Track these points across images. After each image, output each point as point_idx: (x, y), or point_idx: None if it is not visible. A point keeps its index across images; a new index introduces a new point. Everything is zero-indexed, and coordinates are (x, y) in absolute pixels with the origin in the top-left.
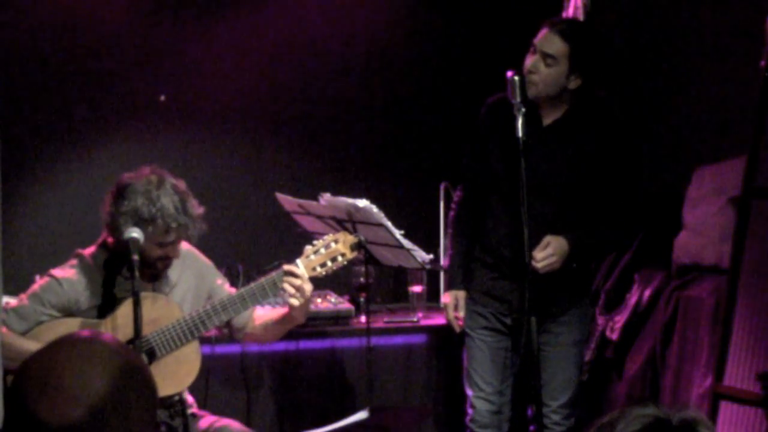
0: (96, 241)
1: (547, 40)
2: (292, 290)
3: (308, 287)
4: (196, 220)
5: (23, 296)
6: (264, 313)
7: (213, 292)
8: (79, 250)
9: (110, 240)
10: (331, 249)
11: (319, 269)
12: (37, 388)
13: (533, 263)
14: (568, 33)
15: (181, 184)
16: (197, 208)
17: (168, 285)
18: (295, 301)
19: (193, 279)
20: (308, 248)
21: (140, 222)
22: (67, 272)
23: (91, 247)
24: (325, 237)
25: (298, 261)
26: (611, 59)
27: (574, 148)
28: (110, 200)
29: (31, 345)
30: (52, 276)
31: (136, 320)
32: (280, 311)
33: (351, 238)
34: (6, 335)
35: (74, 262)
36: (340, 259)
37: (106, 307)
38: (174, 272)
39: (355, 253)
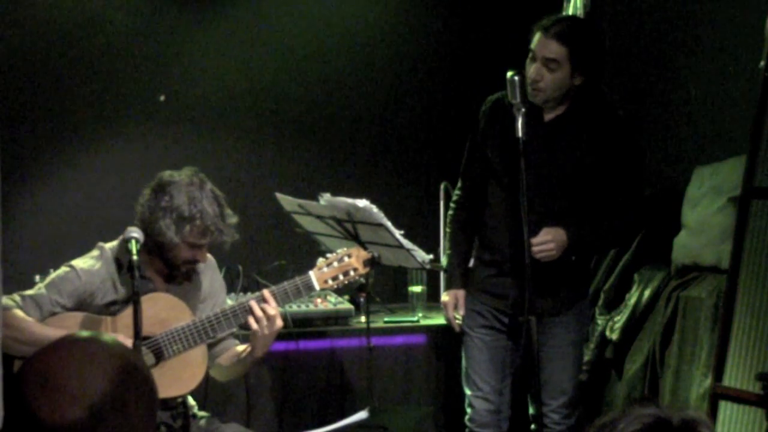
0: (118, 237)
1: (545, 45)
2: (259, 318)
3: (279, 322)
4: (231, 228)
5: (41, 285)
6: (240, 347)
7: (216, 307)
8: (101, 243)
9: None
10: (344, 263)
11: (330, 282)
12: (37, 388)
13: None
14: (563, 35)
15: (219, 192)
16: (232, 217)
17: (187, 284)
18: (259, 332)
19: (206, 290)
20: (321, 261)
21: (179, 220)
22: (86, 263)
23: (113, 242)
24: (339, 251)
25: (311, 273)
26: (609, 50)
27: (576, 143)
28: (150, 194)
29: (50, 332)
30: (71, 266)
31: (136, 320)
32: (242, 347)
33: (364, 254)
34: (23, 320)
35: (95, 254)
36: (352, 273)
37: (118, 304)
38: (206, 280)
39: (368, 269)
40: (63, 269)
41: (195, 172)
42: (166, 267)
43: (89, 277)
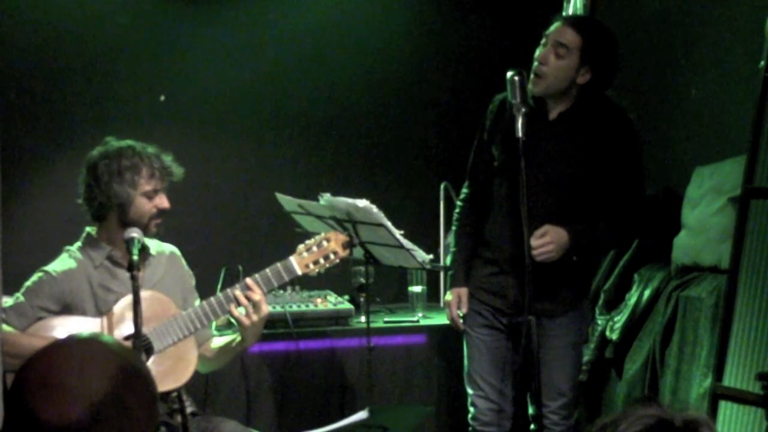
0: (80, 237)
1: (560, 30)
2: (245, 306)
3: (265, 308)
4: (173, 163)
5: (18, 294)
6: (219, 338)
7: (187, 300)
8: (68, 246)
9: (93, 232)
10: (323, 247)
11: (312, 266)
12: (37, 388)
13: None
14: (581, 25)
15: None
16: (168, 155)
17: (156, 275)
18: (245, 320)
19: (179, 279)
20: (301, 246)
21: (126, 173)
22: (58, 265)
23: (77, 243)
24: (317, 236)
25: (291, 258)
26: (619, 59)
27: (580, 141)
28: (89, 174)
29: (35, 341)
30: (43, 270)
31: (136, 319)
32: (232, 336)
33: (343, 237)
34: (9, 334)
35: (65, 255)
36: (332, 257)
37: (100, 302)
38: (162, 266)
39: (347, 251)
40: (36, 275)
41: (117, 140)
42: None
43: (65, 277)
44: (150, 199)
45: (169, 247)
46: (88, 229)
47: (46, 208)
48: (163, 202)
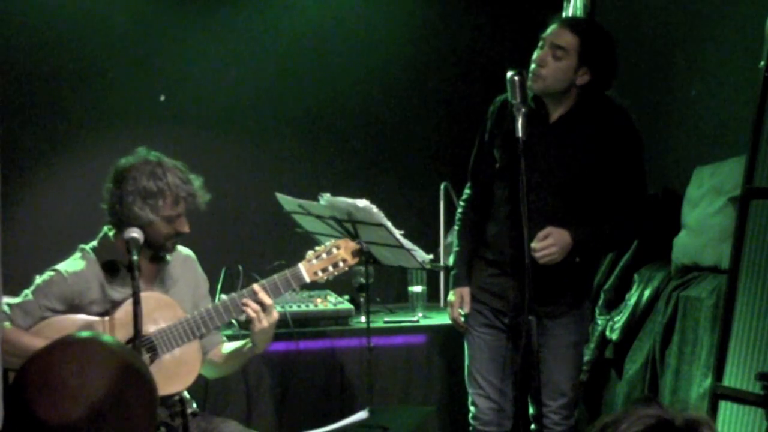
0: (97, 236)
1: (557, 33)
2: (254, 310)
3: (275, 313)
4: (200, 189)
5: (27, 291)
6: (229, 344)
7: (198, 305)
8: (82, 245)
9: (110, 234)
10: (332, 254)
11: (320, 273)
12: (37, 388)
13: (532, 253)
14: (578, 27)
15: (176, 162)
16: (197, 179)
17: (170, 279)
18: (256, 325)
19: (192, 283)
20: (310, 253)
21: (149, 198)
22: (70, 265)
23: (93, 242)
24: (327, 243)
25: (300, 265)
26: (619, 59)
27: (581, 143)
28: (113, 186)
29: (37, 342)
30: (55, 270)
31: (136, 320)
32: (243, 341)
33: (353, 245)
34: (12, 332)
35: (78, 255)
36: (341, 264)
37: (108, 304)
38: (176, 270)
39: (356, 260)
40: (47, 273)
41: (148, 152)
42: (150, 249)
43: (76, 278)
44: (170, 222)
45: (184, 251)
46: (105, 228)
47: (47, 208)
48: (183, 226)
